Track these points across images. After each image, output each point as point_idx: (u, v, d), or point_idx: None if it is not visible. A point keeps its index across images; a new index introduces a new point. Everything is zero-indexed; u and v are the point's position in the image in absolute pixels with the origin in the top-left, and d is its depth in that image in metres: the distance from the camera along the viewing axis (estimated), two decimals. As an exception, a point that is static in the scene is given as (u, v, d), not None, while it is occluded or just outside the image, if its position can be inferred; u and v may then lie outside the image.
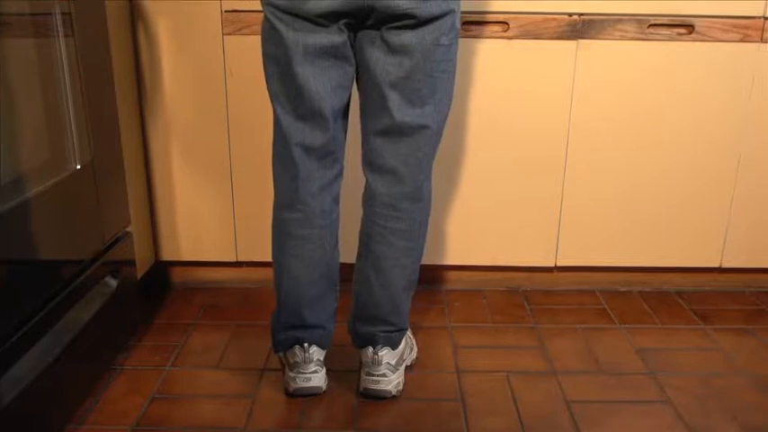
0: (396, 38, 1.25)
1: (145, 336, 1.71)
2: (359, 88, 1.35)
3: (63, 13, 1.30)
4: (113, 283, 1.51)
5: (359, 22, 1.26)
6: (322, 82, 1.28)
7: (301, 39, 1.24)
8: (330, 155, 1.36)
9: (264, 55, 1.30)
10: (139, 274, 1.74)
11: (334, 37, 1.25)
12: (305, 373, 1.44)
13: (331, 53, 1.26)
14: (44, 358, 1.22)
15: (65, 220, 1.32)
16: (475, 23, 1.71)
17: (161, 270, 1.97)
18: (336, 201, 1.42)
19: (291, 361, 1.46)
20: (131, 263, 1.64)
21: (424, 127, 1.32)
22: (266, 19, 1.27)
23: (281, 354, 1.50)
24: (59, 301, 1.29)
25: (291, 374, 1.45)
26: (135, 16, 1.71)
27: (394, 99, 1.29)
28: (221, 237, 1.88)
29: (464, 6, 1.69)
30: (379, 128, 1.32)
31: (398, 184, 1.35)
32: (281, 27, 1.24)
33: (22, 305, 1.18)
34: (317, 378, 1.45)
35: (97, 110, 1.44)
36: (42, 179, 1.24)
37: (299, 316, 1.44)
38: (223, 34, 1.71)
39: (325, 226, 1.40)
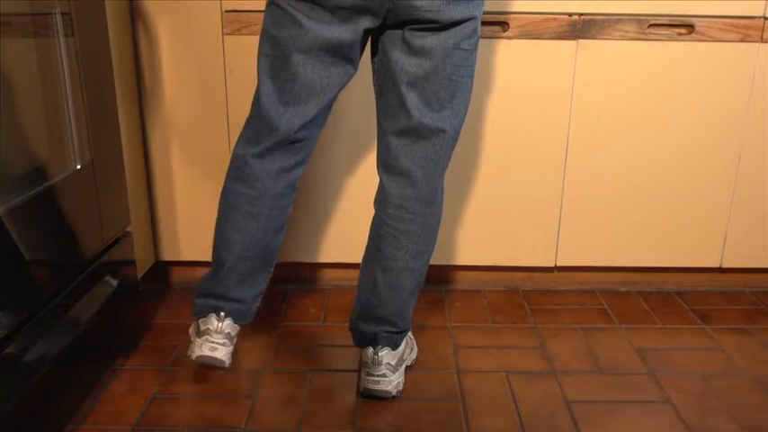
0: (418, 40, 1.25)
1: (145, 336, 1.71)
2: (376, 89, 1.35)
3: (63, 13, 1.30)
4: (113, 283, 1.51)
5: (381, 23, 1.26)
6: (320, 75, 1.28)
7: (313, 28, 1.24)
8: (299, 142, 1.36)
9: (265, 34, 1.30)
10: (139, 274, 1.74)
11: (344, 35, 1.25)
12: (212, 342, 1.41)
13: (336, 51, 1.27)
14: (44, 358, 1.22)
15: (65, 220, 1.32)
16: (475, 23, 1.71)
17: (161, 270, 1.97)
18: (293, 187, 1.41)
19: (203, 328, 1.42)
20: (131, 263, 1.64)
21: (442, 131, 1.31)
22: (275, 2, 1.26)
23: (195, 319, 1.47)
24: (59, 301, 1.29)
25: (199, 341, 1.42)
26: (135, 16, 1.71)
27: (412, 99, 1.29)
28: (221, 237, 1.88)
29: (464, 6, 1.70)
30: (397, 128, 1.32)
31: (412, 186, 1.35)
32: (296, 13, 1.24)
33: (22, 305, 1.18)
34: (222, 350, 1.41)
35: (97, 110, 1.44)
36: (42, 179, 1.24)
37: (225, 286, 1.43)
38: (223, 34, 1.71)
39: (273, 208, 1.39)
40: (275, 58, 1.29)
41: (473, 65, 1.31)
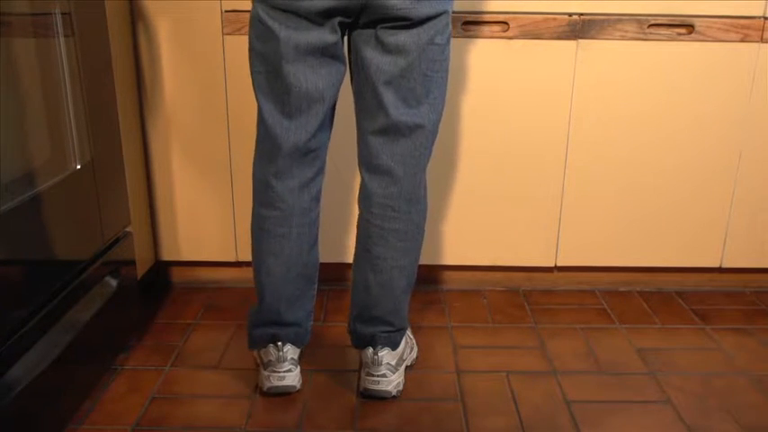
0: (391, 38, 1.25)
1: (145, 336, 1.71)
2: (354, 89, 1.35)
3: (63, 13, 1.30)
4: (113, 283, 1.51)
5: (353, 20, 1.26)
6: (314, 81, 1.28)
7: (293, 37, 1.24)
8: (312, 152, 1.36)
9: (252, 51, 1.30)
10: (139, 274, 1.74)
11: (326, 36, 1.25)
12: (279, 372, 1.44)
13: (323, 52, 1.27)
14: (44, 358, 1.22)
15: (65, 220, 1.32)
16: (475, 23, 1.71)
17: (161, 270, 1.97)
18: (317, 199, 1.42)
19: (266, 359, 1.46)
20: (131, 263, 1.64)
21: (420, 126, 1.32)
22: (257, 16, 1.27)
23: (255, 351, 1.50)
24: (59, 300, 1.29)
25: (266, 373, 1.45)
26: (135, 16, 1.71)
27: (389, 97, 1.29)
28: (221, 237, 1.88)
29: (464, 6, 1.70)
30: (376, 127, 1.32)
31: (395, 184, 1.35)
32: (273, 25, 1.24)
33: (22, 305, 1.18)
34: (290, 377, 1.45)
35: (97, 110, 1.44)
36: (42, 179, 1.24)
37: (276, 313, 1.44)
38: (223, 34, 1.71)
39: (303, 224, 1.39)
40: (267, 74, 1.29)
41: (447, 59, 1.32)
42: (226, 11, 1.70)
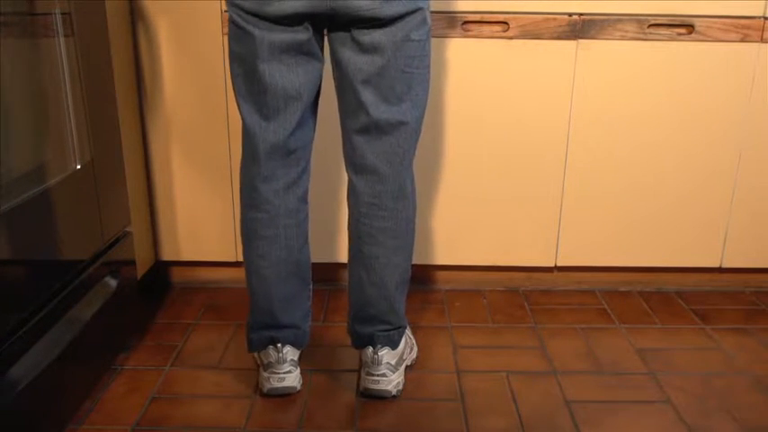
0: (366, 37, 1.26)
1: (145, 336, 1.71)
2: (336, 89, 1.35)
3: (63, 13, 1.30)
4: (113, 283, 1.51)
5: (325, 23, 1.27)
6: (290, 79, 1.29)
7: (267, 37, 1.25)
8: (294, 153, 1.36)
9: (231, 54, 1.32)
10: (139, 274, 1.74)
11: (299, 35, 1.26)
12: (279, 373, 1.44)
13: (297, 49, 1.27)
14: (44, 358, 1.22)
15: (65, 220, 1.32)
16: (475, 23, 1.71)
17: (161, 270, 1.97)
18: (304, 199, 1.42)
19: (266, 361, 1.46)
20: (131, 263, 1.64)
21: (402, 123, 1.32)
22: (231, 19, 1.28)
23: (255, 353, 1.50)
24: (59, 300, 1.29)
25: (265, 374, 1.46)
26: (135, 16, 1.71)
27: (368, 96, 1.29)
28: (221, 237, 1.88)
29: (464, 6, 1.70)
30: (358, 126, 1.33)
31: (381, 182, 1.36)
32: (247, 26, 1.25)
33: (22, 305, 1.18)
34: (290, 378, 1.45)
35: (97, 110, 1.44)
36: (42, 179, 1.24)
37: (271, 315, 1.44)
38: (223, 34, 1.72)
39: (290, 225, 1.39)
40: (245, 74, 1.30)
41: (427, 55, 1.32)
42: (226, 11, 1.70)
